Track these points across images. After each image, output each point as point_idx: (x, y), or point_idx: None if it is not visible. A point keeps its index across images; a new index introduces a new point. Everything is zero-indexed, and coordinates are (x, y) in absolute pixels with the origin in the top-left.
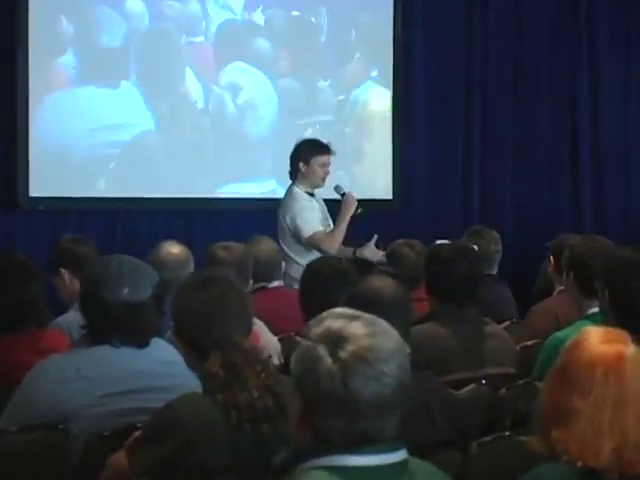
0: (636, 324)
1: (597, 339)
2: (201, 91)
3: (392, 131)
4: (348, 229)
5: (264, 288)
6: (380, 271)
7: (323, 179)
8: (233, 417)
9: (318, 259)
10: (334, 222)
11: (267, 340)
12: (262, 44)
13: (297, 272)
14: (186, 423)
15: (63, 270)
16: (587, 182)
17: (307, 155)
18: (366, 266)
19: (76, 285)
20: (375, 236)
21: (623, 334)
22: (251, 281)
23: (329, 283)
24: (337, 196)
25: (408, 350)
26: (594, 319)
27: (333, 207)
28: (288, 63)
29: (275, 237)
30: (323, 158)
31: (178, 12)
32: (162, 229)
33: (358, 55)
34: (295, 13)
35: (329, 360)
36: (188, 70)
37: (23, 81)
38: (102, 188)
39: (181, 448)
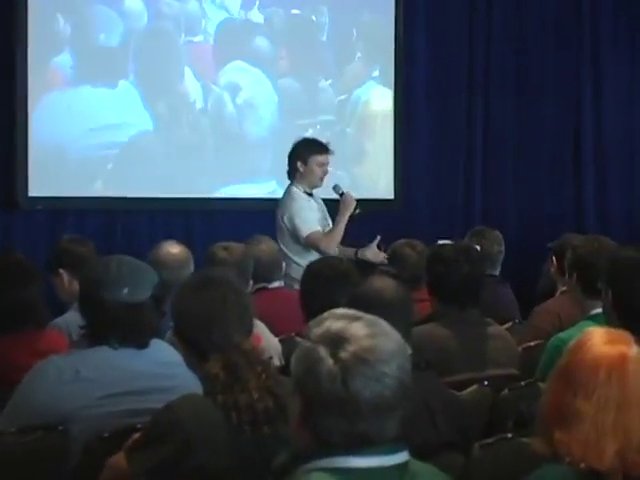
0: (639, 325)
1: (600, 340)
2: (200, 91)
3: (394, 131)
4: (347, 229)
5: (264, 289)
6: (381, 272)
7: (321, 179)
8: (233, 418)
9: (319, 260)
10: (334, 222)
11: (268, 341)
12: (262, 43)
13: (296, 272)
14: (186, 424)
15: (62, 270)
16: (590, 183)
17: (305, 154)
18: (367, 267)
19: (75, 285)
20: (378, 237)
21: (626, 335)
22: (251, 282)
23: (330, 284)
24: (336, 196)
25: (409, 351)
26: (597, 320)
27: (332, 207)
28: (288, 62)
29: (275, 237)
30: (321, 157)
31: (177, 11)
32: (162, 229)
33: (359, 54)
34: (295, 11)
35: (330, 361)
36: (187, 69)
37: (22, 81)
38: (101, 188)
39: (181, 450)
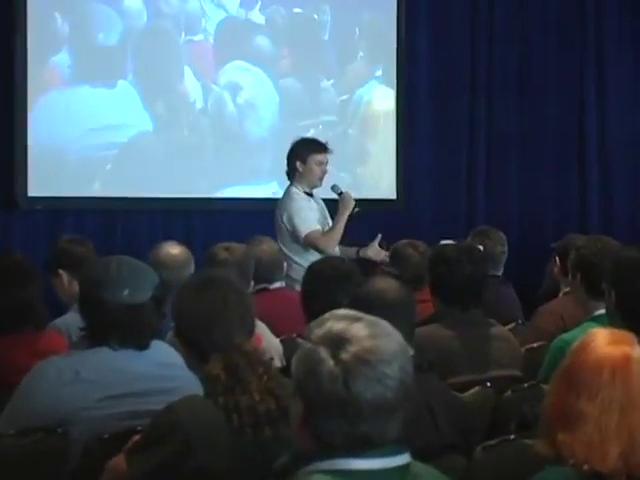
0: None
1: (604, 341)
2: (200, 91)
3: (396, 131)
4: (347, 228)
5: (265, 289)
6: (383, 272)
7: (321, 178)
8: (234, 420)
9: (320, 260)
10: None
11: (269, 342)
12: (263, 42)
13: (297, 273)
14: (186, 426)
15: (61, 271)
16: (594, 184)
17: (304, 154)
18: (370, 267)
19: (75, 286)
20: (379, 235)
21: (630, 336)
22: (252, 282)
23: (331, 284)
24: (335, 196)
25: (411, 352)
26: (600, 321)
27: (332, 207)
28: (290, 62)
29: (275, 238)
30: (320, 156)
31: (176, 9)
32: (162, 229)
33: (362, 54)
34: (297, 10)
35: (331, 362)
36: (187, 69)
37: (21, 80)
38: (100, 189)
39: (181, 451)
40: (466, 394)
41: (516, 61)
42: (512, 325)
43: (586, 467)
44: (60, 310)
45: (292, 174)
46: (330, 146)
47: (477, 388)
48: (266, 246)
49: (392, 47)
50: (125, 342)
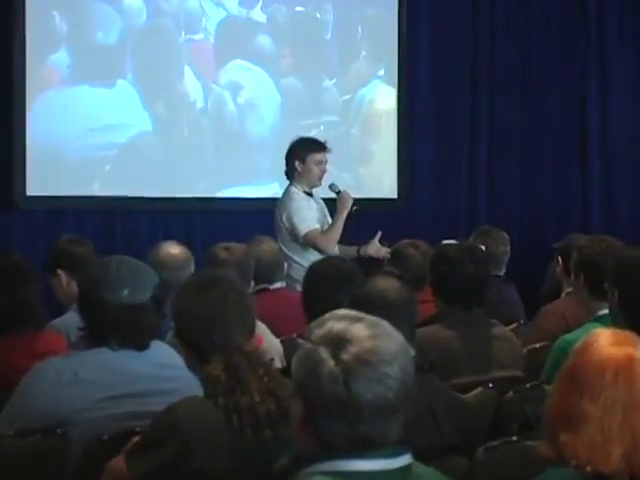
0: None
1: (606, 341)
2: (200, 90)
3: (397, 130)
4: (347, 227)
5: (266, 289)
6: (385, 272)
7: (320, 177)
8: (235, 421)
9: (321, 260)
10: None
11: (269, 342)
12: (264, 41)
13: (297, 273)
14: (187, 427)
15: (60, 271)
16: (596, 182)
17: (302, 153)
18: (371, 266)
19: (74, 286)
20: (379, 232)
21: (633, 336)
22: (252, 282)
23: (332, 284)
24: (334, 195)
25: (413, 352)
26: (603, 321)
27: (331, 206)
28: (291, 61)
29: (276, 238)
30: (319, 155)
31: (176, 8)
32: (161, 229)
33: (364, 53)
34: (299, 9)
35: (331, 362)
36: (187, 68)
37: (20, 80)
38: (100, 189)
39: (181, 453)
40: (468, 395)
41: (517, 57)
42: (514, 325)
43: (589, 468)
44: (59, 310)
45: (291, 174)
46: (330, 145)
47: (479, 389)
48: (266, 246)
49: (394, 45)
50: (125, 342)
